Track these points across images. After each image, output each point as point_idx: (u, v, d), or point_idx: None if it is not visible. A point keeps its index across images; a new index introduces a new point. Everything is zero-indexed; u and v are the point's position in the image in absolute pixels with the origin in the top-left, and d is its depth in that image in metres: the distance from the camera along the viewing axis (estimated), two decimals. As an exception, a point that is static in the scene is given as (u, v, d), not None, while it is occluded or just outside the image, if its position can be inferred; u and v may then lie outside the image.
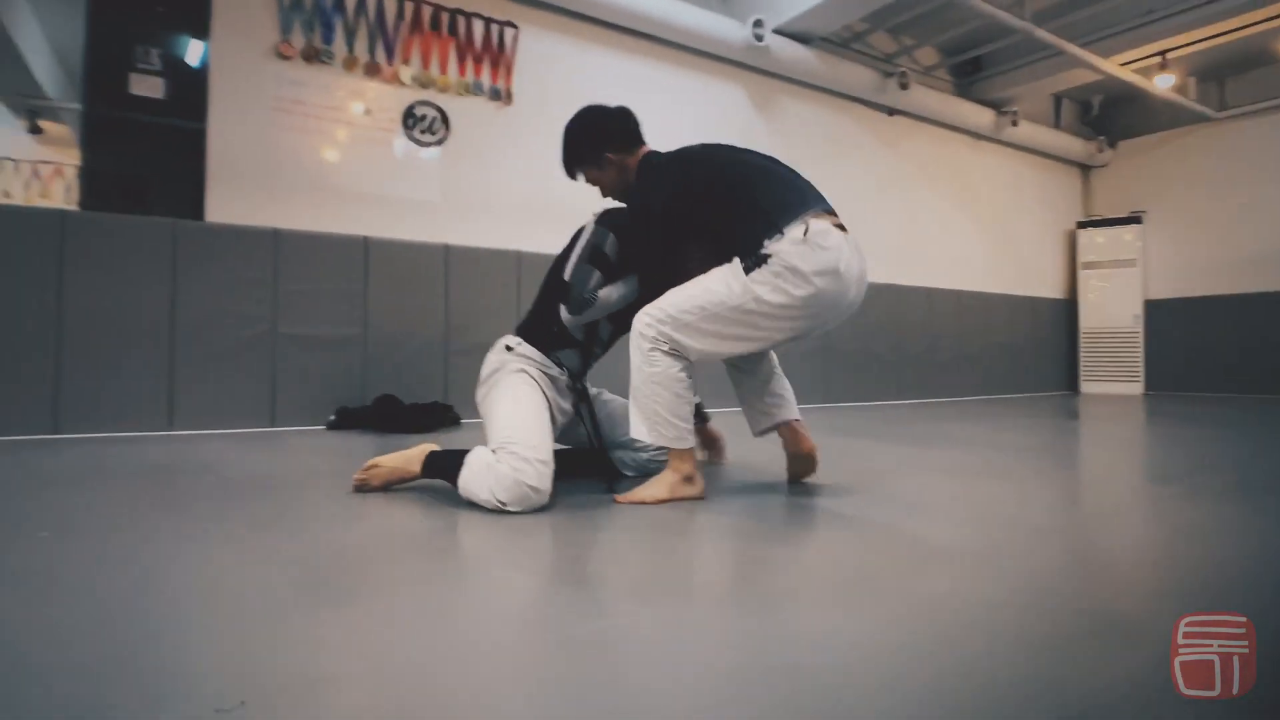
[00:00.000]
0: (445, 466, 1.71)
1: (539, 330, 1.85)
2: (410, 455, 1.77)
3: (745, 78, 5.15)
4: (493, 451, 1.62)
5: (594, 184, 1.91)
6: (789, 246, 1.55)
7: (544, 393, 1.79)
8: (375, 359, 3.70)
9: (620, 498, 1.67)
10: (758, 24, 4.72)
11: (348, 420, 3.46)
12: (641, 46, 4.69)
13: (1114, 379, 7.18)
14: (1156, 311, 7.12)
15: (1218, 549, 1.35)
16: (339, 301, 3.62)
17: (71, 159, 3.58)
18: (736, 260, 1.60)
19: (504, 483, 1.54)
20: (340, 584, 1.13)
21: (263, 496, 1.83)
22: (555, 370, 1.84)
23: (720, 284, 1.60)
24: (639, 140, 1.87)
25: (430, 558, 1.31)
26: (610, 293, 1.79)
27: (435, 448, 1.79)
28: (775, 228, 1.57)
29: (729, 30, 4.73)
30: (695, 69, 4.94)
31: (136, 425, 3.13)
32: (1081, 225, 7.43)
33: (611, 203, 1.98)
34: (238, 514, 1.61)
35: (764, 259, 1.56)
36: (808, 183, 1.73)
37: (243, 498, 1.81)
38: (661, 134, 4.84)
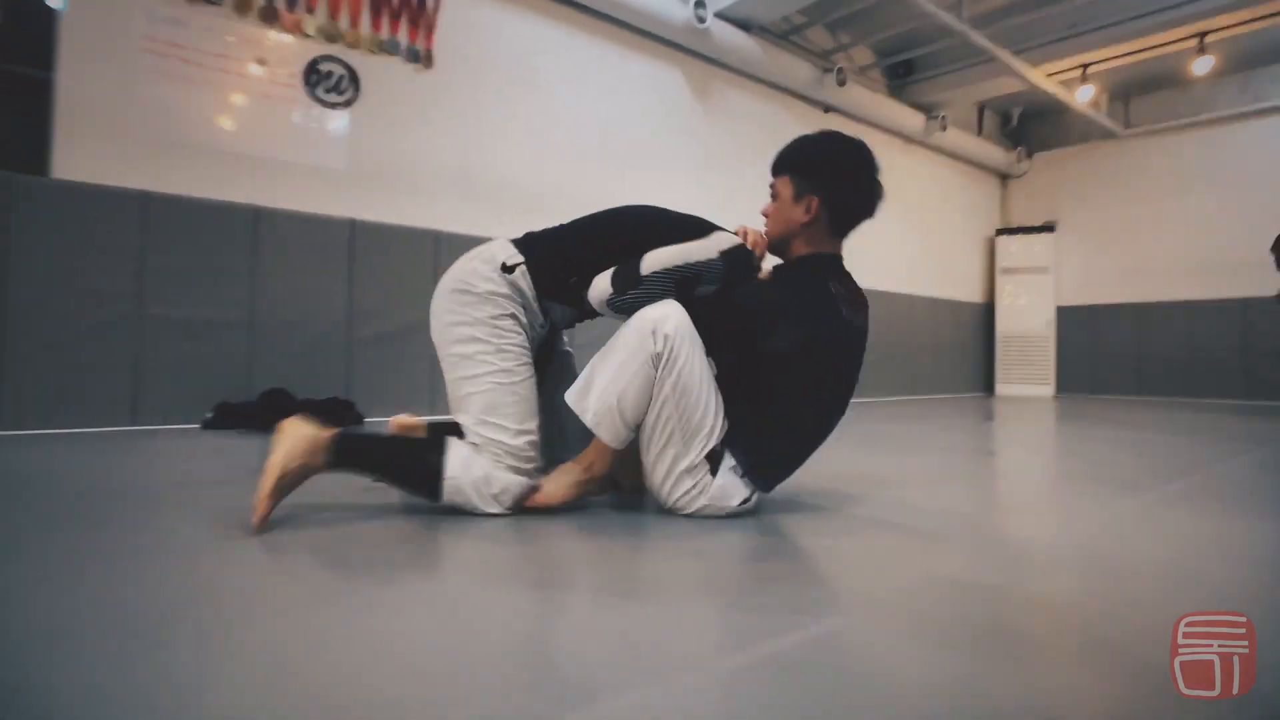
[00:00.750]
0: (383, 464, 1.42)
1: (553, 271, 1.50)
2: (299, 445, 1.30)
3: (685, 62, 4.92)
4: (474, 444, 1.42)
5: (775, 199, 1.59)
6: (724, 490, 1.44)
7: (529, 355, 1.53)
8: (264, 347, 3.21)
9: (527, 502, 1.46)
10: (700, 4, 4.51)
11: (228, 418, 2.98)
12: (577, 19, 4.37)
13: (1027, 381, 7.44)
14: (1067, 317, 7.44)
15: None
16: (221, 280, 3.13)
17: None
18: (721, 429, 1.45)
19: (496, 487, 1.42)
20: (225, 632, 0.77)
21: (113, 516, 1.41)
22: (539, 320, 1.55)
23: (711, 417, 1.44)
24: (843, 230, 1.61)
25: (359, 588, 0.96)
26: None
27: (315, 429, 1.34)
28: (748, 465, 1.46)
29: (670, 9, 4.49)
30: (635, 48, 4.66)
31: (-49, 422, 2.56)
32: (1000, 232, 7.67)
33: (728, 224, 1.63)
34: (77, 542, 1.21)
35: (716, 465, 1.44)
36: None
37: (86, 518, 1.40)
38: (596, 115, 4.63)
